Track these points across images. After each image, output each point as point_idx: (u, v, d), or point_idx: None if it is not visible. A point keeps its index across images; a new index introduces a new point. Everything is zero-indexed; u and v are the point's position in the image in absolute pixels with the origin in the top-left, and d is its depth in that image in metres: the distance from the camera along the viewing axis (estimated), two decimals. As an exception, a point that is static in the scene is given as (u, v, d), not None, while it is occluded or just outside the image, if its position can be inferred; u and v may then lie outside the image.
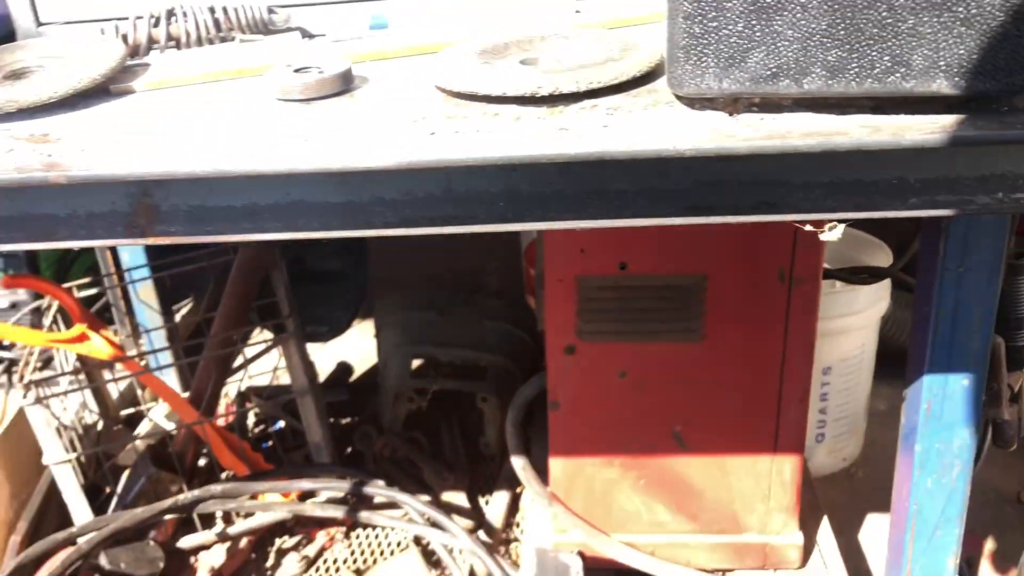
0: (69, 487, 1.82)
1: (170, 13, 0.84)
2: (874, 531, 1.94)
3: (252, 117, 0.72)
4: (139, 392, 2.37)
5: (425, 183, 0.66)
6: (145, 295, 2.35)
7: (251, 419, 2.26)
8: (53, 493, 2.00)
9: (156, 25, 0.85)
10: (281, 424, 2.21)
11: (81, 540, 1.67)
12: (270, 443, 2.21)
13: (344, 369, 2.47)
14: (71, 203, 0.70)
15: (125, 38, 0.84)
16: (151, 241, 0.73)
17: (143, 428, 2.31)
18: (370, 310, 2.37)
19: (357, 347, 2.61)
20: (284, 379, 2.14)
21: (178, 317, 2.52)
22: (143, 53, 0.84)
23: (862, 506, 1.99)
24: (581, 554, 1.60)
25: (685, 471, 1.57)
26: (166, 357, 2.38)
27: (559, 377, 1.52)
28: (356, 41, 0.86)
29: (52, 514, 2.08)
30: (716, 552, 1.62)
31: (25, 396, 1.78)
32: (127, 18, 0.88)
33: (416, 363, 2.12)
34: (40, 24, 0.89)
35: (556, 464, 1.60)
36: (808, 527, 1.64)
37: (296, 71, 0.73)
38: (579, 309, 1.46)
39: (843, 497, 2.03)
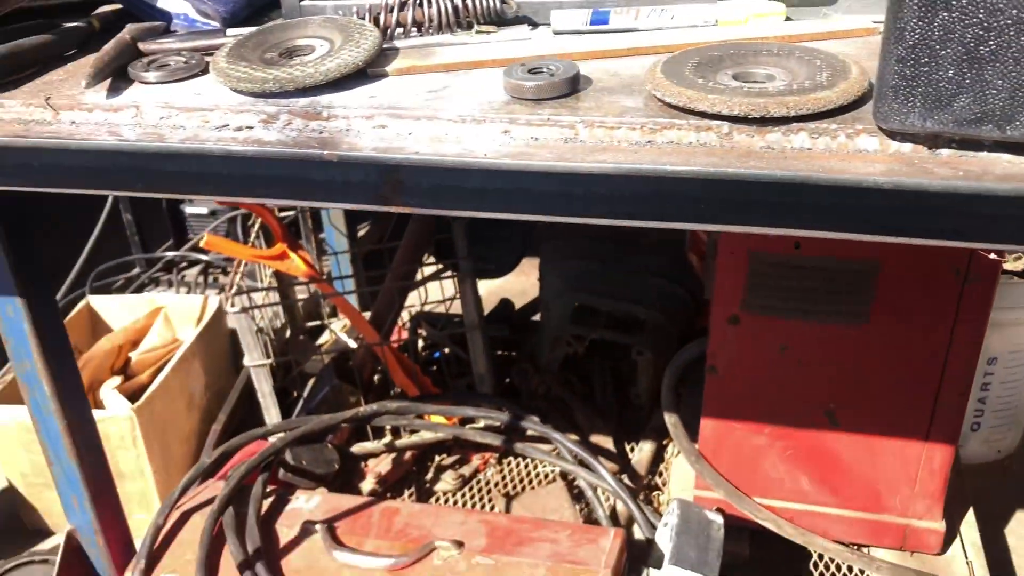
0: (264, 389, 2.05)
1: (418, 2, 0.95)
2: (1022, 527, 1.92)
3: (488, 110, 0.82)
4: (321, 306, 2.60)
5: (636, 184, 0.74)
6: (335, 218, 2.55)
7: (421, 344, 2.45)
8: (248, 391, 2.25)
9: (402, 9, 0.96)
10: (447, 352, 2.38)
11: (272, 438, 1.89)
12: (435, 367, 2.38)
13: (506, 306, 2.61)
14: (331, 173, 0.82)
15: (377, 21, 0.95)
16: (392, 210, 0.85)
17: (324, 339, 2.54)
18: (534, 252, 2.47)
19: (515, 284, 2.73)
20: (449, 310, 2.30)
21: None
22: (389, 37, 0.96)
23: (1012, 500, 1.98)
24: (720, 511, 1.69)
25: (833, 447, 1.62)
26: (349, 276, 2.59)
27: (720, 344, 1.59)
28: (578, 36, 0.94)
29: (245, 409, 2.34)
30: (854, 527, 1.67)
31: (232, 305, 2.00)
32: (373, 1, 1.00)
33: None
34: (302, 1, 1.02)
35: (707, 425, 1.68)
36: (952, 515, 1.67)
37: (530, 71, 0.82)
38: (748, 282, 1.52)
39: (993, 489, 2.01)
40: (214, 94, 0.89)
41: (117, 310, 2.86)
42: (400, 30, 0.96)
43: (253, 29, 0.97)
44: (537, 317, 2.44)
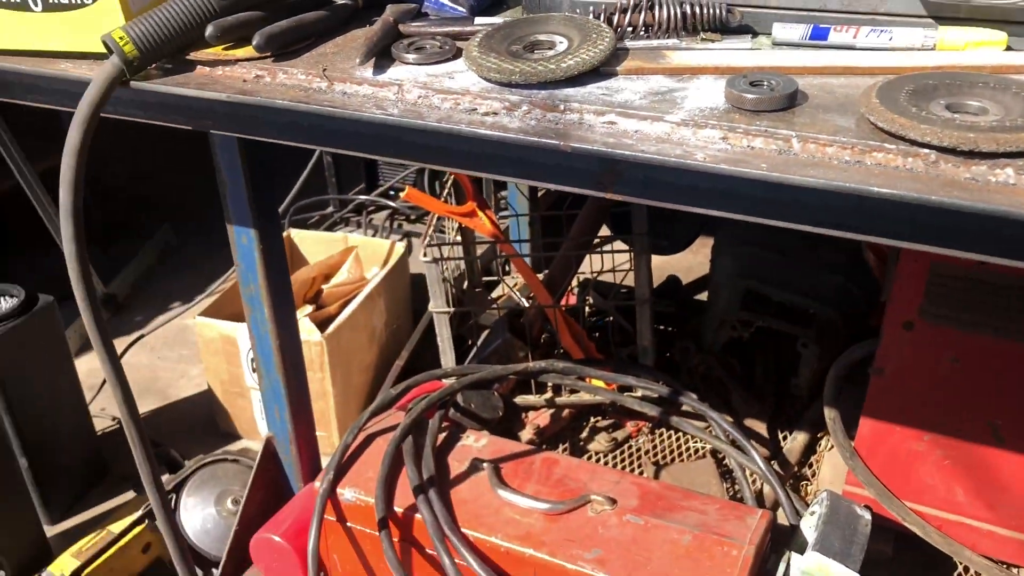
0: (444, 334, 2.22)
1: (650, 4, 1.03)
2: None
3: (709, 116, 0.90)
4: (497, 262, 2.75)
5: (842, 200, 0.81)
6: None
7: (588, 310, 2.56)
8: (427, 334, 2.44)
9: (635, 11, 1.05)
10: (612, 320, 2.48)
11: (447, 380, 2.06)
12: (598, 334, 2.49)
13: (674, 282, 2.68)
14: (558, 158, 0.93)
15: (610, 20, 1.05)
16: (607, 196, 0.95)
17: (497, 293, 2.69)
18: (708, 232, 2.51)
19: (682, 261, 2.78)
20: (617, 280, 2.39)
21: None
22: (620, 36, 1.05)
23: None
24: (868, 508, 1.72)
25: (994, 462, 1.63)
26: (526, 240, 2.72)
27: (891, 347, 1.62)
28: (796, 49, 1.01)
29: (423, 350, 2.53)
30: (1007, 546, 1.67)
31: (424, 255, 2.17)
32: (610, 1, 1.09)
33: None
34: (544, -7, 1.13)
35: (866, 424, 1.72)
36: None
37: (751, 84, 0.90)
38: (927, 291, 1.54)
39: None
40: (465, 79, 1.01)
41: (313, 244, 3.13)
42: (631, 31, 1.05)
43: (501, 21, 1.09)
44: (703, 296, 2.49)
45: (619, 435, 2.23)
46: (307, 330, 2.47)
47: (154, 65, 1.09)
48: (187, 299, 3.47)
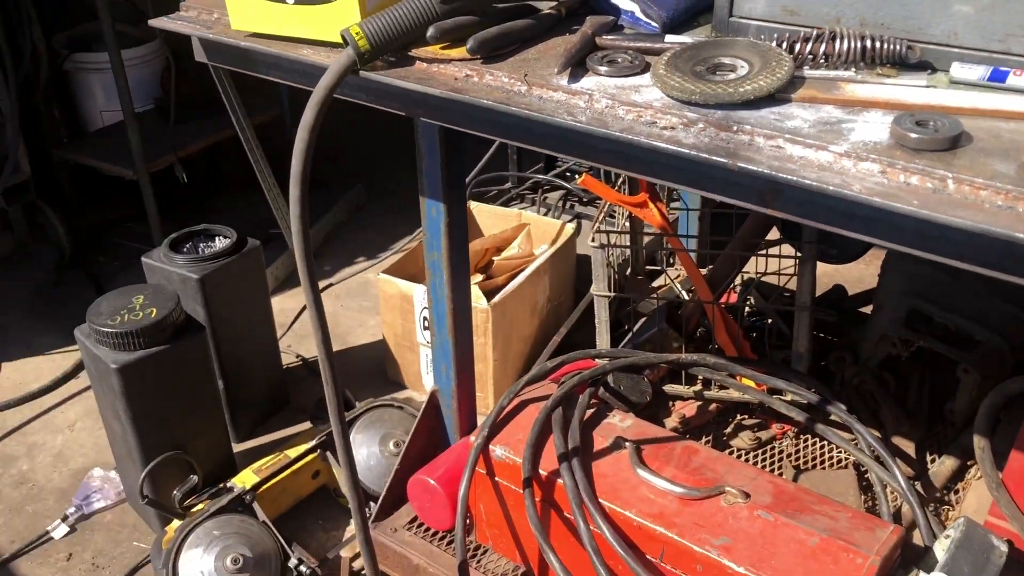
0: (602, 316, 2.33)
1: (832, 35, 1.10)
2: None
3: (871, 150, 0.97)
4: (662, 253, 2.82)
5: (988, 241, 0.86)
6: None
7: (747, 309, 2.60)
8: (586, 313, 2.56)
9: (817, 41, 1.11)
10: (770, 322, 2.51)
11: (600, 360, 2.18)
12: (754, 334, 2.53)
13: (839, 292, 2.67)
14: (726, 173, 1.02)
15: (792, 48, 1.12)
16: (768, 212, 1.04)
17: (658, 283, 2.77)
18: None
19: (852, 270, 2.76)
20: (780, 283, 2.42)
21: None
22: (799, 64, 1.12)
23: None
24: (1009, 543, 1.71)
25: None
26: (694, 235, 2.78)
27: (1051, 385, 1.60)
28: (972, 90, 1.05)
29: (580, 328, 2.66)
30: None
31: (593, 240, 2.29)
32: (795, 26, 1.16)
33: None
34: (731, 16, 1.21)
35: (1018, 458, 1.70)
36: None
37: (917, 123, 0.96)
38: (1095, 334, 1.51)
39: None
40: (649, 93, 1.11)
41: (489, 217, 3.31)
42: (811, 59, 1.12)
43: (689, 41, 1.19)
44: (867, 309, 2.48)
45: (763, 435, 2.28)
46: (476, 297, 2.64)
47: (380, 58, 1.25)
48: (371, 255, 3.74)
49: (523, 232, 3.05)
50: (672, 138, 1.04)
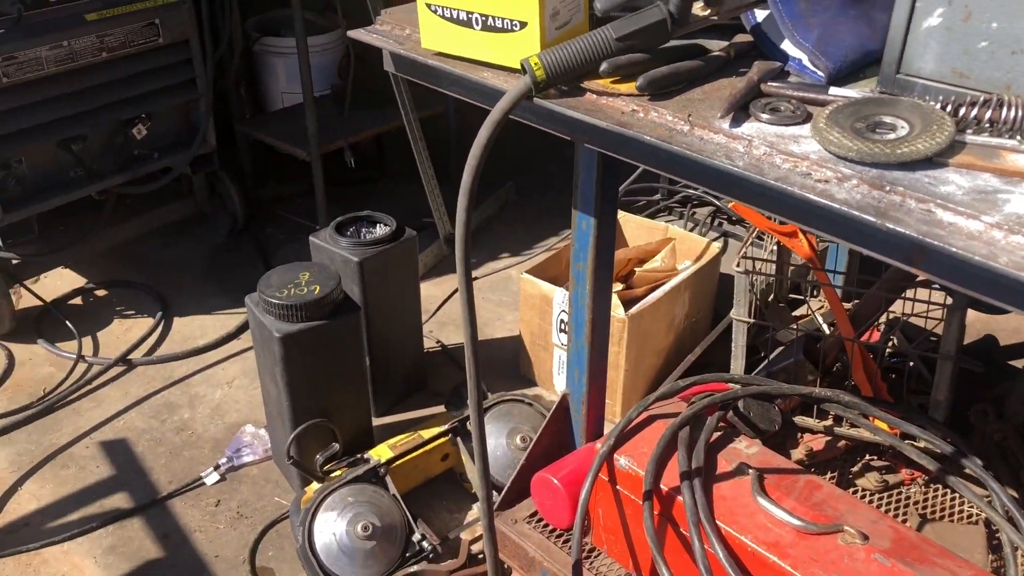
0: (739, 341, 2.36)
1: (999, 102, 1.11)
2: None
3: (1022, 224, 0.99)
4: (805, 283, 2.81)
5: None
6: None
7: (888, 349, 2.56)
8: (723, 336, 2.59)
9: (983, 106, 1.13)
10: (911, 365, 2.47)
11: (733, 385, 2.21)
12: (893, 375, 2.50)
13: (989, 342, 2.60)
14: (874, 230, 1.06)
15: (956, 111, 1.14)
16: (912, 270, 1.06)
17: (799, 311, 2.76)
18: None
19: (1008, 320, 2.67)
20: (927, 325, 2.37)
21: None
22: (961, 128, 1.14)
23: None
24: None
25: None
26: (842, 272, 2.76)
27: None
28: None
29: (716, 349, 2.69)
30: None
31: (738, 265, 2.32)
32: (962, 89, 1.18)
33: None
34: (898, 72, 1.24)
35: None
36: None
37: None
38: None
39: None
40: (807, 145, 1.16)
41: (635, 227, 3.37)
42: (974, 123, 1.14)
43: (852, 96, 1.22)
44: (1020, 363, 2.41)
45: (891, 478, 2.25)
46: (614, 306, 2.71)
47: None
48: (515, 252, 3.87)
49: (668, 246, 3.09)
50: (825, 191, 1.09)
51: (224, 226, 3.94)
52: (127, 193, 3.50)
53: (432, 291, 3.57)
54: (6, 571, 2.45)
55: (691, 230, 3.46)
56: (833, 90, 1.25)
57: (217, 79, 3.75)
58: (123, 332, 3.40)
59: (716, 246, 3.06)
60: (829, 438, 2.30)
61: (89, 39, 3.11)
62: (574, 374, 2.17)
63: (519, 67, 1.33)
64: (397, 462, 2.53)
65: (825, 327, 2.47)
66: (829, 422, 2.32)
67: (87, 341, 3.34)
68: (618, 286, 2.95)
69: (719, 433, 1.99)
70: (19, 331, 3.37)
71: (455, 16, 1.43)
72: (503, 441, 2.57)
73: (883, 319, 2.51)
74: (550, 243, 3.85)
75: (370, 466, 2.45)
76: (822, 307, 2.70)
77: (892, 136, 1.11)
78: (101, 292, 3.65)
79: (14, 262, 3.32)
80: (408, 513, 2.38)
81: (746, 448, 1.96)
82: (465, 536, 2.44)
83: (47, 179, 3.22)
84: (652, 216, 3.76)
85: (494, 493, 2.31)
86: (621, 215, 3.38)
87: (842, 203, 1.06)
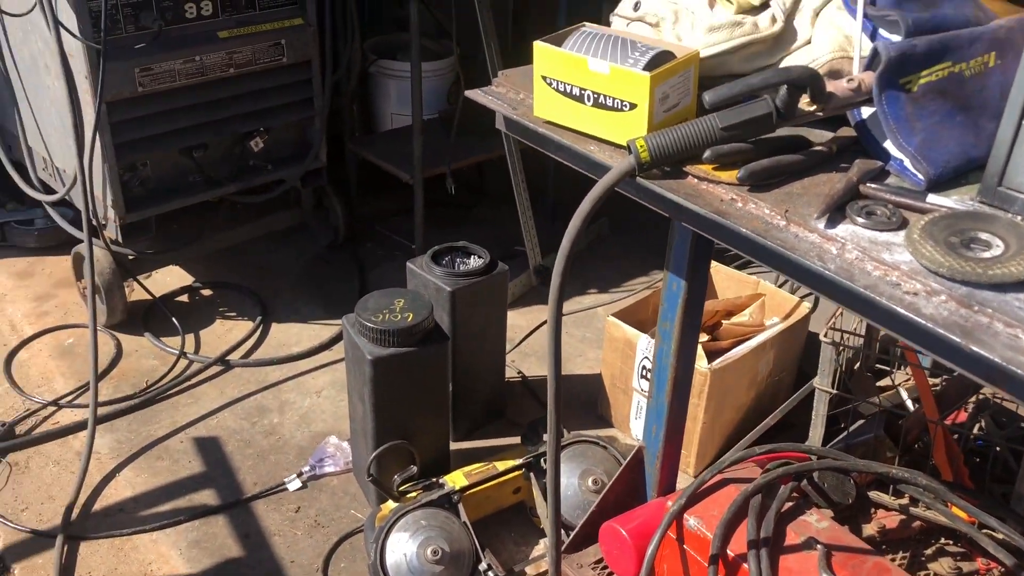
0: (820, 411, 2.36)
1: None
2: None
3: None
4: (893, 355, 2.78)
5: None
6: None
7: (976, 429, 2.52)
8: (806, 400, 2.58)
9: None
10: (998, 450, 2.43)
11: (810, 456, 2.21)
12: (978, 459, 2.46)
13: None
14: (959, 349, 1.08)
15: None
16: (995, 388, 1.08)
17: (883, 382, 2.73)
18: None
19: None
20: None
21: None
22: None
23: None
24: None
25: None
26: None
27: None
28: None
29: (797, 413, 2.68)
30: None
31: (826, 335, 2.32)
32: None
33: None
34: (1000, 185, 1.25)
35: None
36: None
37: None
38: None
39: None
40: (899, 254, 1.19)
41: (726, 279, 3.38)
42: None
43: (950, 206, 1.24)
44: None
45: (965, 566, 2.22)
46: (697, 356, 2.73)
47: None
48: (603, 289, 3.92)
49: (757, 301, 3.10)
50: (912, 305, 1.11)
51: (325, 238, 4.09)
52: (240, 201, 3.69)
53: (518, 320, 3.65)
54: (100, 552, 2.62)
55: (781, 286, 3.44)
56: (931, 198, 1.27)
57: (333, 97, 3.91)
58: (224, 332, 3.58)
59: (806, 305, 3.05)
60: (904, 517, 2.28)
61: (219, 55, 3.30)
62: (652, 429, 2.21)
63: (625, 145, 1.39)
64: (471, 491, 2.60)
65: (909, 403, 2.45)
66: (905, 500, 2.30)
67: (189, 338, 3.53)
68: (704, 337, 2.97)
69: (791, 503, 2.00)
70: (128, 323, 3.58)
71: (568, 91, 1.50)
72: (575, 481, 2.62)
73: (973, 398, 2.48)
74: (639, 281, 3.89)
75: (444, 492, 2.53)
76: (908, 379, 2.67)
77: (986, 255, 1.13)
78: (207, 292, 3.84)
79: (130, 257, 3.53)
80: (477, 542, 2.45)
81: (816, 522, 1.96)
82: (530, 571, 2.50)
83: (169, 183, 3.42)
84: (742, 267, 3.76)
85: (563, 533, 2.36)
86: (713, 266, 3.39)
87: (928, 319, 1.09)
